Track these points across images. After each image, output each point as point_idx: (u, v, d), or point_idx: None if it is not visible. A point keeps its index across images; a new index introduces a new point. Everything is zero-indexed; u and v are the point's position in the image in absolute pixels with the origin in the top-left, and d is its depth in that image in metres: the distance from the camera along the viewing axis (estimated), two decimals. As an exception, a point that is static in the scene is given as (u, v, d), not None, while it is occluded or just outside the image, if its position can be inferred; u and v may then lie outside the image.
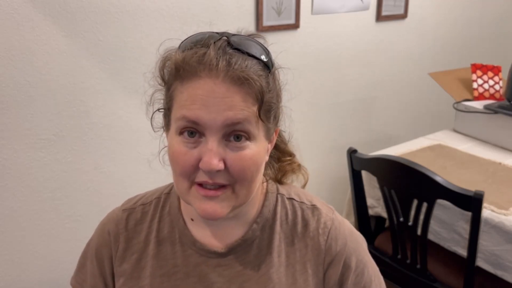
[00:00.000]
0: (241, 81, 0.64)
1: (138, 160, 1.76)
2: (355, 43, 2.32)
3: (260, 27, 1.91)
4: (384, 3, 2.34)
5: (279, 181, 0.83)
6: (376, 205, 1.83)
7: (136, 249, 0.80)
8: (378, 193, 1.70)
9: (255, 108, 0.66)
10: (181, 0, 1.70)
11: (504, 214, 1.48)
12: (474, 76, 2.20)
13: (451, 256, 1.64)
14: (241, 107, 0.64)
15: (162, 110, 0.72)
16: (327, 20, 2.16)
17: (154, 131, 0.75)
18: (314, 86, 2.23)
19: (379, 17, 2.35)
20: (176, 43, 0.71)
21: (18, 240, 1.61)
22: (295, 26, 2.04)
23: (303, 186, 0.85)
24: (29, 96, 1.50)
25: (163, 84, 0.71)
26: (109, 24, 1.58)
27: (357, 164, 1.70)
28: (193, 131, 0.65)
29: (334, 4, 2.15)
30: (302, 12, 2.05)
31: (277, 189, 0.82)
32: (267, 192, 0.80)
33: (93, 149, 1.66)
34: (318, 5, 2.10)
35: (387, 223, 1.84)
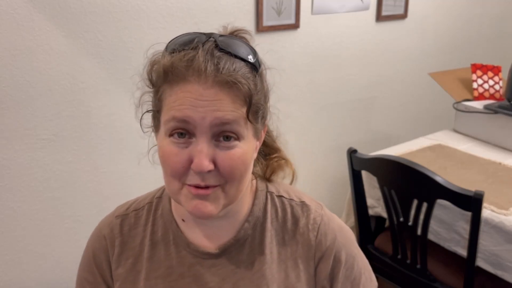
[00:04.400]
0: (229, 85, 0.64)
1: (138, 160, 1.76)
2: (355, 43, 2.32)
3: (260, 27, 1.91)
4: (384, 3, 2.34)
5: (268, 179, 0.83)
6: (376, 205, 1.83)
7: (131, 254, 0.80)
8: (378, 193, 1.70)
9: (244, 110, 0.66)
10: (181, 0, 1.70)
11: (504, 214, 1.48)
12: (474, 76, 2.20)
13: (451, 256, 1.64)
14: (230, 109, 0.65)
15: (151, 111, 0.72)
16: (327, 20, 2.16)
17: (144, 132, 0.75)
18: (314, 86, 2.23)
19: (379, 17, 2.35)
20: (163, 47, 0.71)
21: (18, 240, 1.61)
22: (295, 26, 2.04)
23: (291, 182, 0.85)
24: (29, 96, 1.50)
25: (151, 87, 0.71)
26: (109, 24, 1.58)
27: (357, 164, 1.70)
28: (183, 131, 0.66)
29: (334, 4, 2.15)
30: (302, 12, 2.05)
31: (266, 187, 0.82)
32: (256, 191, 0.81)
33: (93, 149, 1.66)
34: (318, 5, 2.10)
35: (387, 223, 1.84)
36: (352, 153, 1.70)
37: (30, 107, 1.51)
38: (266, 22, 1.93)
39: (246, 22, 1.89)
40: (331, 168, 2.40)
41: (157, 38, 1.67)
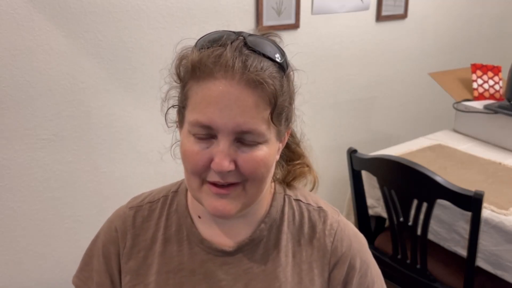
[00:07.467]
0: (255, 84, 0.64)
1: (138, 160, 1.76)
2: (355, 43, 2.32)
3: (260, 27, 1.90)
4: (384, 3, 2.33)
5: (287, 184, 0.83)
6: (376, 205, 1.83)
7: (143, 247, 0.81)
8: (378, 193, 1.70)
9: (267, 112, 0.66)
10: (181, 0, 1.70)
11: (504, 214, 1.48)
12: (474, 76, 2.20)
13: (451, 256, 1.64)
14: (252, 114, 0.65)
15: (177, 106, 0.73)
16: (327, 20, 2.16)
17: (168, 127, 0.76)
18: (314, 86, 2.23)
19: (379, 17, 2.35)
20: (192, 43, 0.71)
21: (18, 240, 1.61)
22: (295, 26, 2.04)
23: (311, 190, 0.85)
24: (29, 96, 1.50)
25: (178, 82, 0.72)
26: (109, 24, 1.58)
27: (357, 164, 1.70)
28: (206, 133, 0.66)
29: (334, 4, 2.15)
30: (302, 12, 2.05)
31: (284, 190, 0.83)
32: (275, 193, 0.81)
33: (93, 149, 1.66)
34: (318, 5, 2.10)
35: (387, 223, 1.84)
36: (352, 153, 1.70)
37: (30, 107, 1.51)
38: (266, 22, 1.93)
39: (246, 22, 1.89)
40: (331, 168, 2.40)
41: (157, 38, 1.66)
